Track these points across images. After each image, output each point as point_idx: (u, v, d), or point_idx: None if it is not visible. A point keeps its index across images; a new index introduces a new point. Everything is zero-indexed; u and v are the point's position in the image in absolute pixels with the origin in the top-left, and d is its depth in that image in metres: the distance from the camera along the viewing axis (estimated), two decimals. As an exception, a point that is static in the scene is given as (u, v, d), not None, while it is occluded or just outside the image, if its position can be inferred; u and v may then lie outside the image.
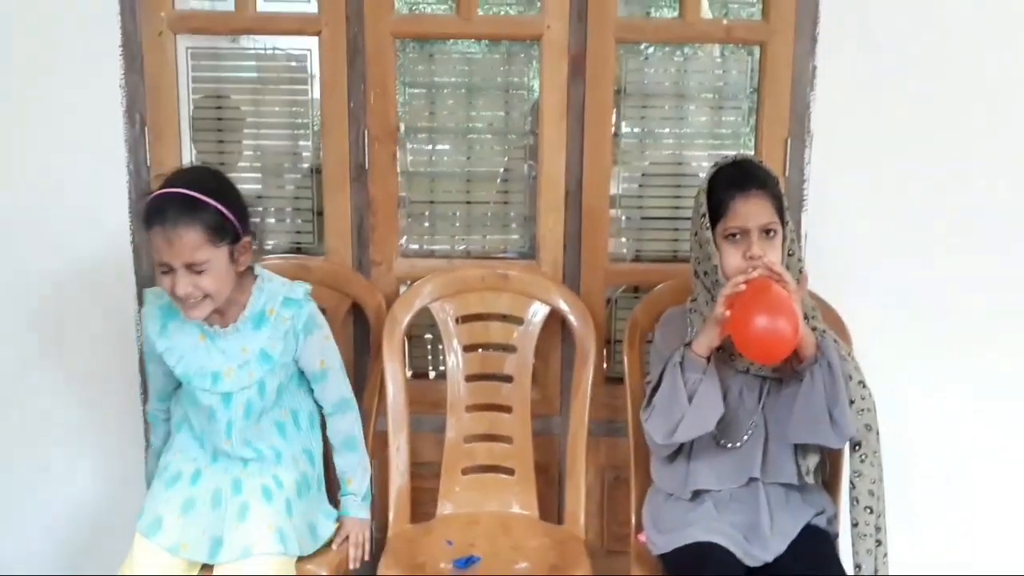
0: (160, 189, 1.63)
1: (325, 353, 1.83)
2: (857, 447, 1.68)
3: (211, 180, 1.68)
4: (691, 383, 1.66)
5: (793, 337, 1.54)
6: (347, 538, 1.86)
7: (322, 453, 1.91)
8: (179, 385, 1.83)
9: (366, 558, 1.87)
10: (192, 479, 1.77)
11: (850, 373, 1.68)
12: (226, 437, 1.76)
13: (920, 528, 2.12)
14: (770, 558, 1.66)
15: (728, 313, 1.60)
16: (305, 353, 1.79)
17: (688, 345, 1.69)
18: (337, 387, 1.87)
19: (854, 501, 1.69)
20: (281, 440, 1.82)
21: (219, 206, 1.61)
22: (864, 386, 1.70)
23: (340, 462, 1.90)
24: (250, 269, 1.75)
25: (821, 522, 1.74)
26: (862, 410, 1.68)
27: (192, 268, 1.60)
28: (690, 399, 1.65)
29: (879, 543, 1.69)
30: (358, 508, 1.90)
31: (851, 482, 1.70)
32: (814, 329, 1.68)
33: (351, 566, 1.86)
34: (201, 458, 1.80)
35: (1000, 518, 2.20)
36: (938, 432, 2.16)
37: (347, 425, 1.89)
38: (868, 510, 1.68)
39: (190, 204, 1.59)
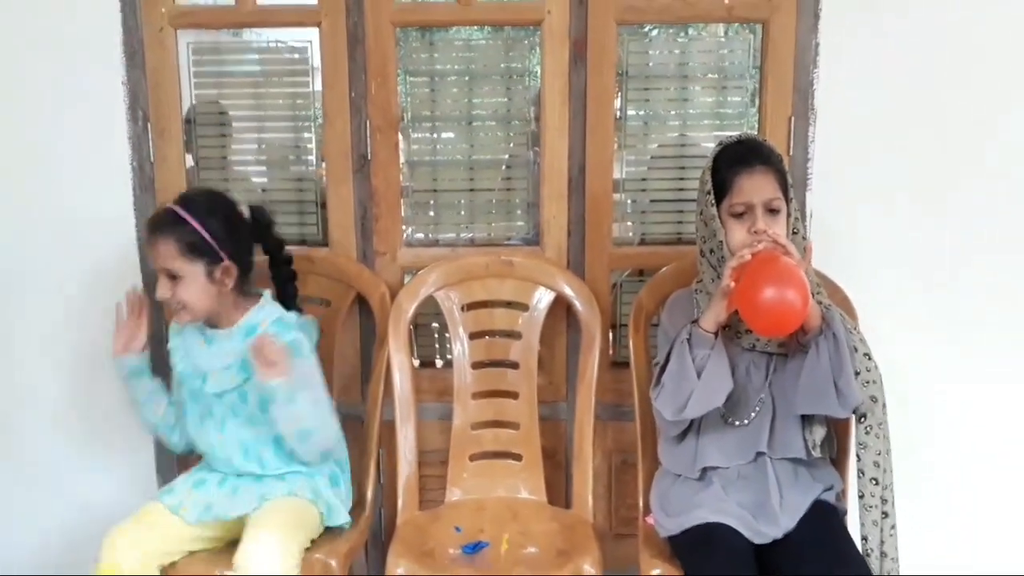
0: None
1: (308, 387, 1.78)
2: (863, 419, 1.67)
3: (204, 202, 1.81)
4: (699, 359, 1.65)
5: (803, 308, 1.52)
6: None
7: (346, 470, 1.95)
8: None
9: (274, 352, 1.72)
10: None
11: (855, 345, 1.67)
12: (219, 432, 1.84)
13: (925, 513, 2.10)
14: (779, 534, 1.65)
15: (733, 284, 1.58)
16: None
17: (695, 322, 1.68)
18: None
19: (860, 473, 1.68)
20: (275, 454, 1.84)
21: (197, 225, 1.75)
22: (870, 358, 1.69)
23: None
24: (256, 293, 1.87)
25: (830, 497, 1.73)
26: (867, 382, 1.66)
27: (170, 276, 1.76)
28: (699, 374, 1.65)
29: (886, 515, 1.68)
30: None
31: (856, 454, 1.68)
32: (819, 303, 1.66)
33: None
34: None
35: (1007, 500, 2.18)
36: (944, 410, 2.13)
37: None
38: (874, 481, 1.67)
39: (173, 218, 1.76)
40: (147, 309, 1.93)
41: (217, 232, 1.76)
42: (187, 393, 1.87)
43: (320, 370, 1.85)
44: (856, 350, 1.67)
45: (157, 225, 1.77)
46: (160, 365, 1.98)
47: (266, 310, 1.85)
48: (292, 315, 1.88)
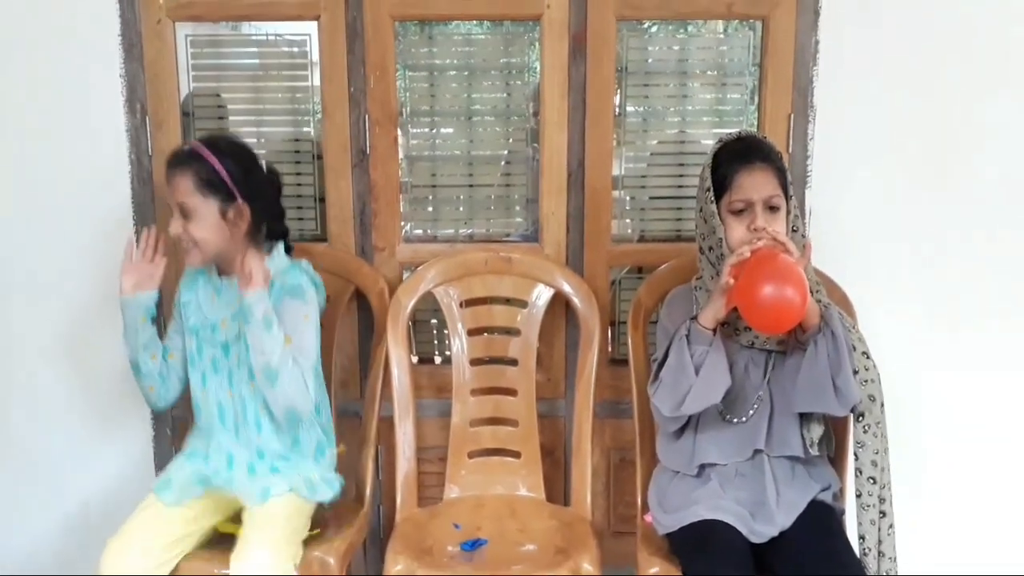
0: None
1: (296, 330, 1.77)
2: (861, 417, 1.67)
3: (223, 142, 1.82)
4: (698, 355, 1.65)
5: (802, 305, 1.52)
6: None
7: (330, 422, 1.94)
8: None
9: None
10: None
11: (854, 344, 1.67)
12: (228, 387, 1.84)
13: (923, 512, 2.12)
14: (776, 532, 1.66)
15: (732, 282, 1.58)
16: (280, 318, 1.75)
17: (694, 319, 1.68)
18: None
19: (857, 472, 1.68)
20: (271, 424, 1.82)
21: (215, 162, 1.75)
22: (868, 357, 1.69)
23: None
24: (269, 244, 1.85)
25: (827, 497, 1.73)
26: (866, 381, 1.67)
27: (184, 212, 1.76)
28: (697, 371, 1.65)
29: (883, 514, 1.69)
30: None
31: (854, 453, 1.69)
32: (818, 301, 1.66)
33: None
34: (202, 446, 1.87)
35: (1005, 499, 2.19)
36: (943, 410, 2.14)
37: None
38: (871, 480, 1.67)
39: (192, 155, 1.77)
40: (163, 248, 1.88)
41: (234, 172, 1.76)
42: (196, 347, 1.86)
43: (317, 330, 1.82)
44: (855, 348, 1.68)
45: (177, 160, 1.77)
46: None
47: (275, 257, 1.84)
48: (304, 263, 1.88)
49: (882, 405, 1.69)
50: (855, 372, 1.65)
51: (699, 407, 1.69)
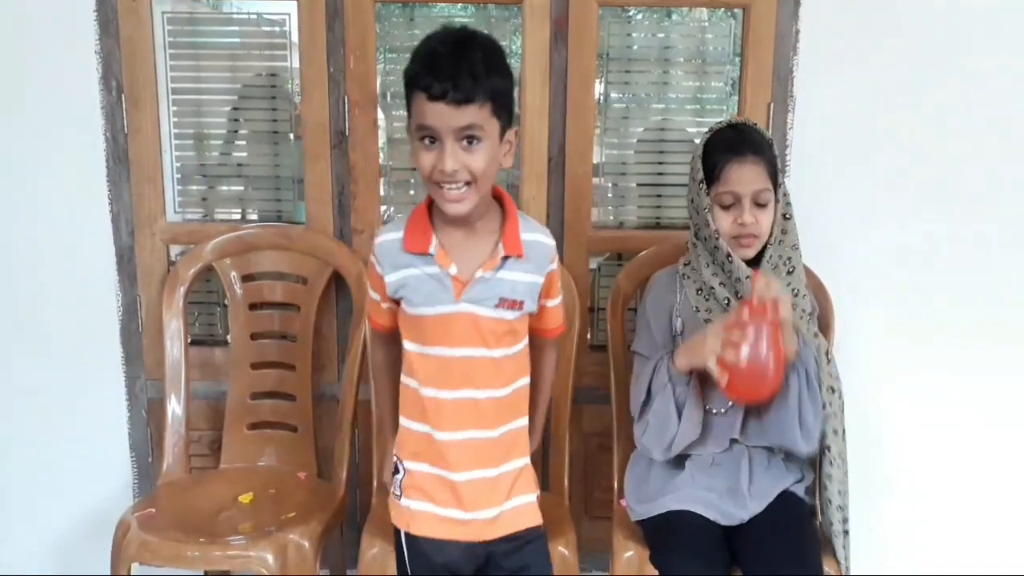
0: None
1: None
2: (828, 450, 1.71)
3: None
4: (679, 394, 1.66)
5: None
6: None
7: None
8: None
9: None
10: None
11: (822, 379, 1.69)
12: None
13: (898, 513, 2.15)
14: (746, 517, 1.68)
15: (724, 381, 1.58)
16: None
17: (671, 356, 1.67)
18: None
19: (827, 502, 1.73)
20: None
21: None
22: (833, 391, 1.71)
23: None
24: None
25: (799, 490, 1.75)
26: (829, 415, 1.70)
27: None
28: (679, 411, 1.66)
29: (847, 533, 1.74)
30: None
31: (823, 484, 1.73)
32: (798, 333, 1.65)
33: None
34: None
35: (983, 496, 2.21)
36: (922, 401, 2.16)
37: None
38: (840, 509, 1.73)
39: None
40: None
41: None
42: None
43: None
44: (822, 384, 1.69)
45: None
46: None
47: None
48: None
49: (844, 434, 1.73)
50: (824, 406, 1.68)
51: (684, 444, 1.70)
